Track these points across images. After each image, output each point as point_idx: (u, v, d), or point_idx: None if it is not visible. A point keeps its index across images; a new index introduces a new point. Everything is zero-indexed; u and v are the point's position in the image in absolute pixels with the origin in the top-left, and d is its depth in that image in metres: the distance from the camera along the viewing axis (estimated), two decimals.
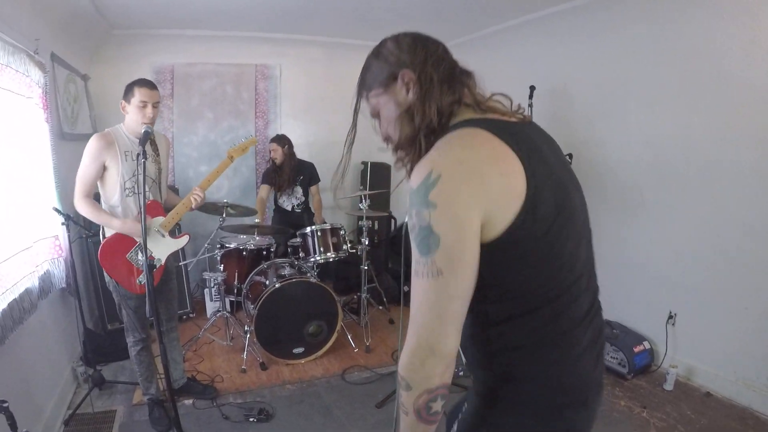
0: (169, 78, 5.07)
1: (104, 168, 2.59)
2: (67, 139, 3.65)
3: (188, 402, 3.18)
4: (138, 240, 2.66)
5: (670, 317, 3.49)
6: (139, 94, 2.56)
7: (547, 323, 1.02)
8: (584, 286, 1.08)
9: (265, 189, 4.82)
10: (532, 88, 4.04)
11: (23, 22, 2.86)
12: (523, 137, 1.00)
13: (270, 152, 4.76)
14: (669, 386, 3.28)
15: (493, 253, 0.95)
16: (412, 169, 1.06)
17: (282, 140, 4.68)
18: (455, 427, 1.21)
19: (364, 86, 1.20)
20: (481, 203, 0.91)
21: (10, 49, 2.54)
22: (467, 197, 0.91)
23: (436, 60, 1.09)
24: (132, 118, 2.61)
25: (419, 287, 0.96)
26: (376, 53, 1.17)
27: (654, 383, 3.39)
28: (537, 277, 1.00)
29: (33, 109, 2.90)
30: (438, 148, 0.99)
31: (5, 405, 1.75)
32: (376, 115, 1.21)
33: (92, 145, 2.54)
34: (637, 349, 3.47)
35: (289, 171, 4.73)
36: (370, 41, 5.41)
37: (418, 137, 1.08)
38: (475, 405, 1.14)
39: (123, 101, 2.61)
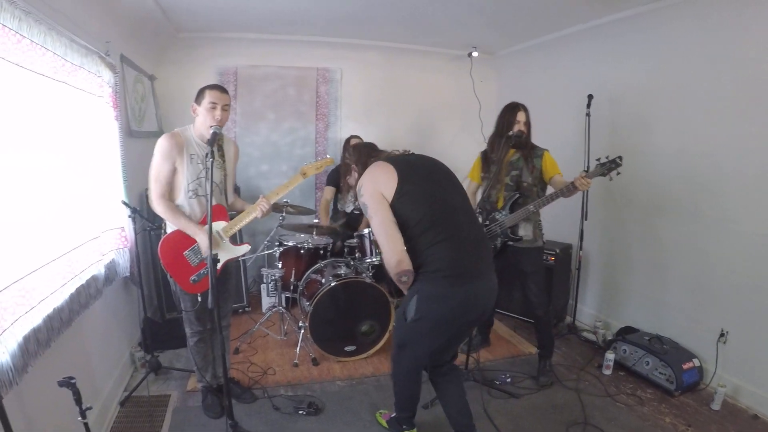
0: (233, 80, 5.22)
1: (174, 167, 2.64)
2: (135, 137, 3.83)
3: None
4: (195, 241, 2.73)
5: (722, 335, 3.31)
6: (209, 96, 2.60)
7: (435, 237, 2.20)
8: (463, 219, 2.30)
9: (330, 191, 4.86)
10: (590, 96, 3.97)
11: (95, 26, 3.03)
12: (400, 160, 2.37)
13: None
14: (716, 406, 3.14)
15: (395, 207, 2.21)
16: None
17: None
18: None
19: (346, 167, 2.67)
20: (378, 187, 2.23)
21: (83, 51, 2.69)
22: (371, 186, 2.25)
23: (363, 156, 2.52)
24: (201, 121, 2.64)
25: (373, 226, 2.25)
26: (343, 158, 3.20)
27: (701, 402, 3.24)
28: (418, 212, 2.21)
29: (103, 107, 3.06)
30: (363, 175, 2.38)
31: (73, 381, 1.86)
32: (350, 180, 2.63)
33: (163, 144, 2.59)
34: (686, 366, 3.33)
35: None
36: (429, 47, 5.48)
37: (357, 180, 2.44)
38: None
39: (194, 104, 2.66)
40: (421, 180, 2.29)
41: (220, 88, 2.65)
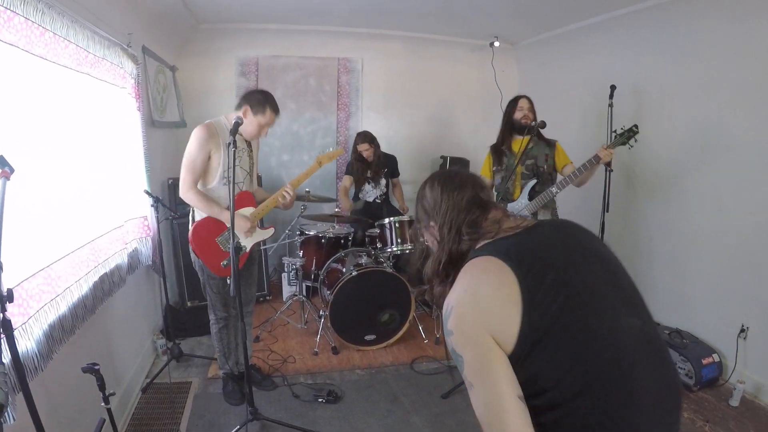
0: (254, 70, 5.23)
1: (208, 156, 2.70)
2: (157, 127, 3.88)
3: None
4: (230, 226, 2.78)
5: (742, 330, 3.24)
6: (271, 118, 2.75)
7: (591, 406, 1.01)
8: (643, 370, 1.06)
9: (348, 179, 4.86)
10: (613, 87, 3.88)
11: (117, 18, 3.05)
12: (521, 245, 1.16)
13: (360, 152, 4.69)
14: (735, 402, 3.09)
15: (518, 361, 1.03)
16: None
17: (373, 140, 4.66)
18: None
19: (418, 221, 1.45)
20: (483, 322, 1.05)
21: (106, 43, 2.72)
22: (471, 320, 1.06)
23: (454, 211, 1.30)
24: (247, 129, 2.74)
25: (475, 401, 1.05)
26: (420, 197, 1.41)
27: (720, 398, 3.18)
28: (562, 367, 1.02)
29: (126, 98, 3.10)
30: (456, 280, 1.17)
31: (96, 368, 1.88)
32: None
33: (199, 134, 2.65)
34: (705, 361, 3.27)
35: (376, 166, 4.77)
36: (451, 36, 5.39)
37: (439, 271, 1.33)
38: None
39: (248, 107, 2.70)
40: (569, 296, 1.07)
41: (278, 112, 2.81)
